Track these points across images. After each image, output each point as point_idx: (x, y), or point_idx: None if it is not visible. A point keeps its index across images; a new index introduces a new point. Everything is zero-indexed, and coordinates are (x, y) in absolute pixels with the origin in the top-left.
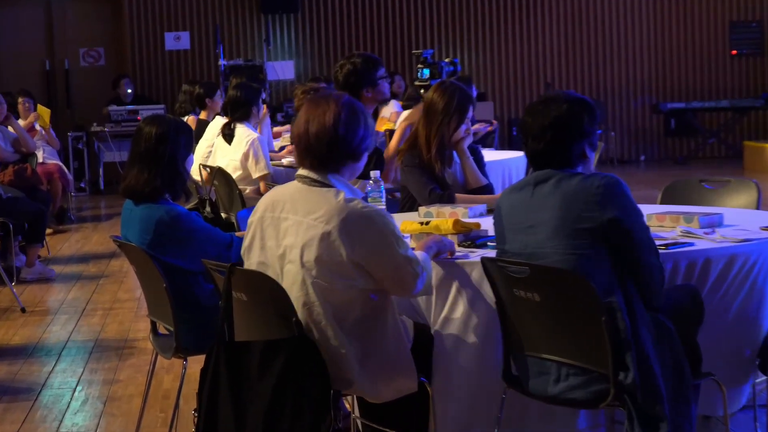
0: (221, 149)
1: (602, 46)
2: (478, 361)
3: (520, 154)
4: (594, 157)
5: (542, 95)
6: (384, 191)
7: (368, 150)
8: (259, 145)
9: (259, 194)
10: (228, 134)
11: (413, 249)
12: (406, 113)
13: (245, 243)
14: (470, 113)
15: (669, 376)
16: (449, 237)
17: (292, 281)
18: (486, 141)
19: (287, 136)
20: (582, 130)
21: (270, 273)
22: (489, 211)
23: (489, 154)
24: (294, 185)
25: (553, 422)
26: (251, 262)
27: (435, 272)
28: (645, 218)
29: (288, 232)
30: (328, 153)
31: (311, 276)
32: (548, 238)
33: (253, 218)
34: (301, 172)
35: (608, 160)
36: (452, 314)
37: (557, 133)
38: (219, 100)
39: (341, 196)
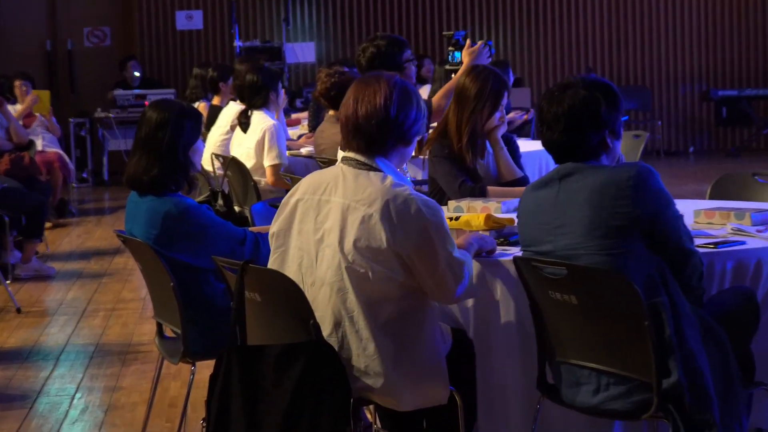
0: (237, 138)
1: (648, 29)
2: (513, 367)
3: None
4: (618, 146)
5: (562, 81)
6: (411, 183)
7: (419, 134)
8: (276, 132)
9: (271, 185)
10: (244, 123)
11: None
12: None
13: (273, 228)
14: (505, 100)
15: (718, 380)
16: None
17: (327, 266)
18: (522, 130)
19: (305, 123)
20: (599, 119)
21: (305, 259)
22: None
23: (525, 144)
24: (339, 168)
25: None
26: (280, 248)
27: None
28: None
29: (330, 214)
30: (378, 135)
31: (347, 260)
32: (581, 238)
33: (289, 200)
34: (347, 154)
35: (654, 151)
36: (486, 317)
37: (572, 123)
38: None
39: (389, 180)
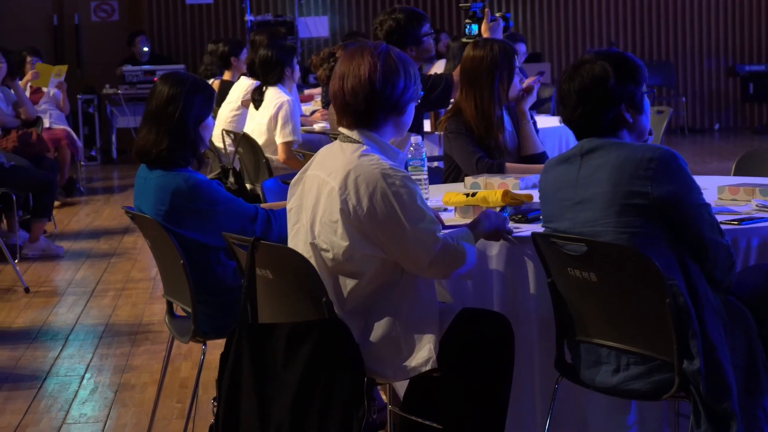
0: (250, 115)
1: (672, 2)
2: (531, 346)
3: None
4: (643, 120)
5: (580, 57)
6: (425, 159)
7: (413, 100)
8: (290, 108)
9: (282, 163)
10: (258, 100)
11: (463, 224)
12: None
13: (289, 204)
14: (518, 63)
15: (740, 369)
16: (498, 209)
17: (302, 242)
18: (543, 106)
19: (318, 99)
20: (610, 93)
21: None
22: None
23: (546, 120)
24: (336, 142)
25: (607, 414)
26: (296, 225)
27: (487, 250)
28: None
29: (312, 189)
30: (366, 110)
31: (313, 236)
32: (599, 215)
33: (302, 175)
34: (340, 129)
35: (678, 128)
36: (504, 295)
37: (585, 99)
38: (244, 59)
39: (359, 150)
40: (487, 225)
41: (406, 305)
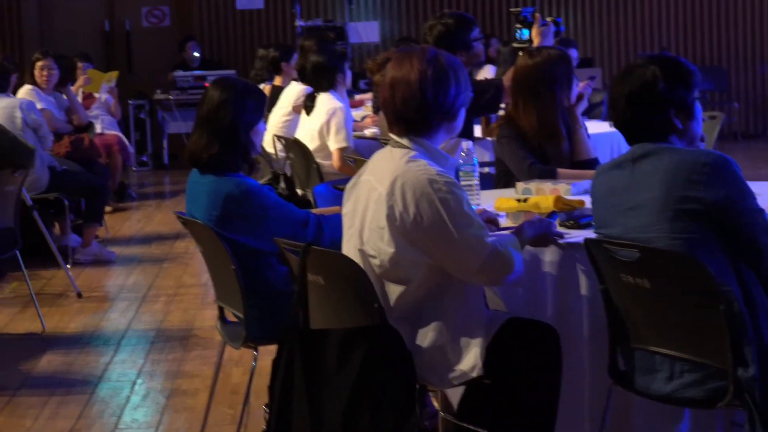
0: (302, 121)
1: (725, 5)
2: (582, 353)
3: None
4: (695, 126)
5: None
6: (477, 164)
7: (464, 105)
8: (343, 115)
9: (337, 169)
10: (310, 106)
11: (509, 228)
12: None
13: (345, 209)
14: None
15: None
16: (548, 215)
17: (352, 248)
18: (593, 111)
19: (369, 105)
20: (658, 98)
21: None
22: None
23: (596, 126)
24: (385, 147)
25: (657, 424)
26: (350, 230)
27: (539, 256)
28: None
29: (363, 195)
30: (418, 119)
31: (361, 242)
32: (651, 221)
33: (357, 180)
34: (391, 135)
35: (731, 134)
36: (556, 301)
37: (634, 104)
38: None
39: (406, 156)
40: (532, 231)
41: (453, 312)
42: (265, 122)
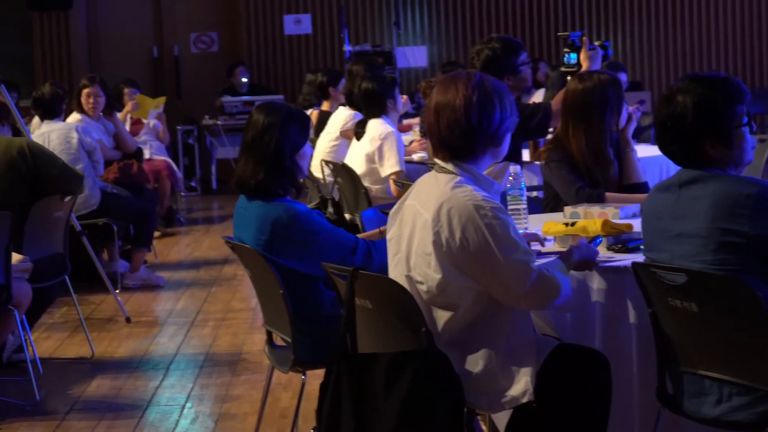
0: (352, 146)
1: None
2: (630, 376)
3: None
4: (741, 151)
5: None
6: (524, 188)
7: (510, 131)
8: (395, 140)
9: (387, 194)
10: (360, 132)
11: (557, 253)
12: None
13: (388, 234)
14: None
15: None
16: (591, 240)
17: (398, 274)
18: (642, 135)
19: (417, 129)
20: (689, 129)
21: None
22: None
23: (645, 149)
24: (430, 172)
25: None
26: (396, 255)
27: (587, 281)
28: None
29: (409, 220)
30: (463, 145)
31: (408, 268)
32: (696, 251)
33: (402, 204)
34: (436, 160)
35: None
36: (604, 326)
37: (666, 132)
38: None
39: (453, 181)
40: (577, 256)
41: (502, 337)
42: (313, 147)
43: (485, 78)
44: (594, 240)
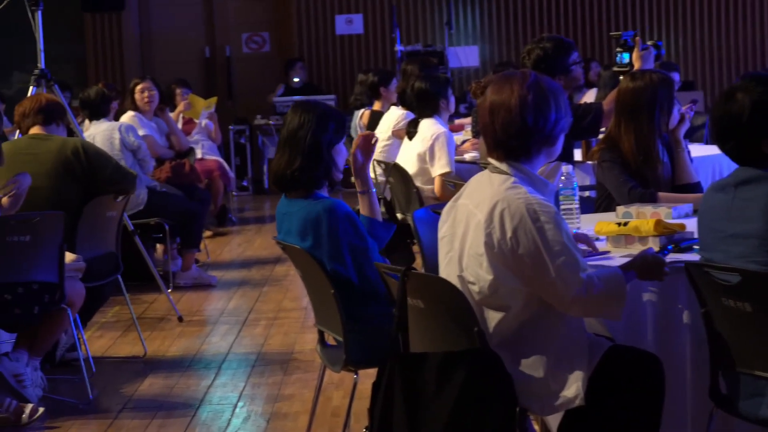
0: (404, 146)
1: None
2: (686, 377)
3: None
4: None
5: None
6: (577, 188)
7: (564, 131)
8: (446, 140)
9: (438, 196)
10: (412, 132)
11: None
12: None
13: (442, 232)
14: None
15: None
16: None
17: (450, 274)
18: (695, 135)
19: (469, 129)
20: (746, 128)
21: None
22: (695, 212)
23: (698, 149)
24: (486, 171)
25: None
26: (449, 254)
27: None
28: None
29: (462, 219)
30: (518, 145)
31: (461, 268)
32: (751, 251)
33: (455, 203)
34: (490, 159)
35: None
36: (657, 325)
37: (723, 131)
38: (394, 90)
39: (508, 182)
40: (641, 268)
41: (554, 340)
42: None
43: (540, 78)
44: (663, 250)
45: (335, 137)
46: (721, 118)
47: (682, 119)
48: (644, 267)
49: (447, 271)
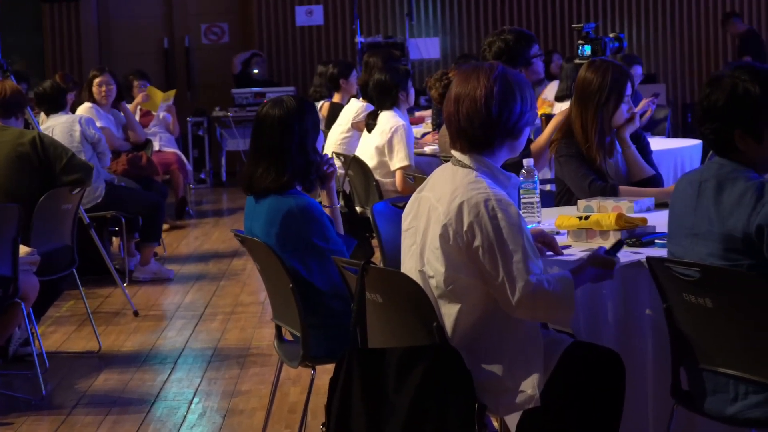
0: (362, 138)
1: None
2: (645, 372)
3: (695, 142)
4: None
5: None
6: (538, 183)
7: (529, 125)
8: (404, 133)
9: (399, 189)
10: (372, 124)
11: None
12: (561, 106)
13: (405, 225)
14: (628, 91)
15: None
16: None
17: (411, 268)
18: (657, 128)
19: (429, 122)
20: (736, 114)
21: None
22: (657, 205)
23: (660, 142)
24: (448, 164)
25: None
26: (411, 247)
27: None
28: None
29: (424, 212)
30: (482, 136)
31: (422, 262)
32: (710, 251)
33: (418, 196)
34: (453, 152)
35: None
36: (617, 322)
37: (709, 115)
38: (354, 81)
39: (470, 176)
40: (591, 270)
41: (509, 339)
42: (325, 139)
43: (507, 70)
44: (613, 252)
45: (315, 132)
46: (701, 101)
47: (632, 119)
48: (595, 267)
49: (409, 264)
